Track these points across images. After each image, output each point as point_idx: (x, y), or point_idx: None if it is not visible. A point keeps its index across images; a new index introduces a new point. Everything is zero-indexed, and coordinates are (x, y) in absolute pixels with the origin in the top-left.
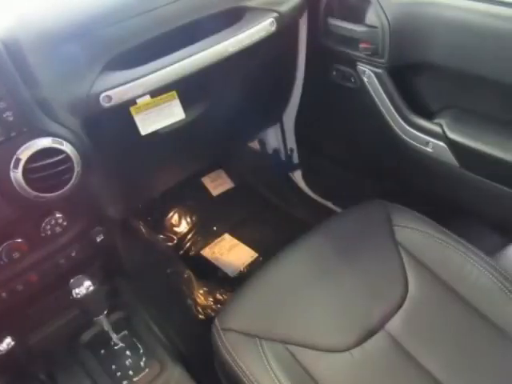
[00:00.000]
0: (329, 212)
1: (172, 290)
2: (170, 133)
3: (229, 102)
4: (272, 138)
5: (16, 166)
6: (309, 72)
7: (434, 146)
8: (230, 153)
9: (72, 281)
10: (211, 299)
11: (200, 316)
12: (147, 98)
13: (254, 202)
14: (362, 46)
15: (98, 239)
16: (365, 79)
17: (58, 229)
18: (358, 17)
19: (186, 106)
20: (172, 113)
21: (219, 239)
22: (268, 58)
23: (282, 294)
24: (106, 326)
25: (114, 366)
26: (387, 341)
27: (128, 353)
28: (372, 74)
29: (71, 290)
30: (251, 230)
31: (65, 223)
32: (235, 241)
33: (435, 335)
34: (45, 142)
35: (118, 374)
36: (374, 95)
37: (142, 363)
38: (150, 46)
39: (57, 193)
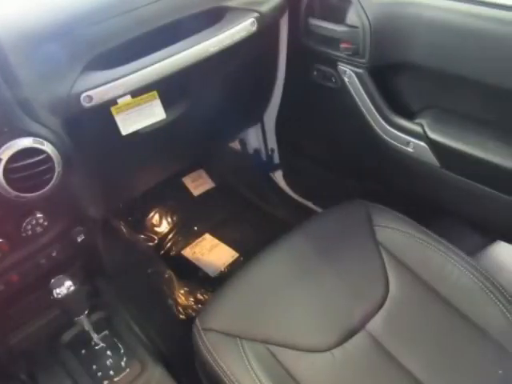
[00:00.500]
0: (309, 212)
1: (153, 290)
2: (150, 133)
3: (209, 101)
4: (253, 138)
5: None
6: (289, 72)
7: (414, 146)
8: (211, 153)
9: (53, 281)
10: (192, 299)
11: (181, 316)
12: (128, 97)
13: (234, 202)
14: (342, 45)
15: (79, 239)
16: (345, 79)
17: (38, 229)
18: (338, 17)
19: (166, 105)
20: (153, 113)
21: (200, 239)
22: (249, 58)
23: (262, 294)
24: (87, 326)
25: (94, 366)
26: (368, 341)
27: (109, 353)
28: (353, 74)
29: (52, 289)
30: (232, 230)
31: (45, 223)
32: (216, 241)
33: (416, 335)
34: (26, 142)
35: (99, 374)
36: (354, 95)
37: (122, 363)
38: (131, 46)
39: (37, 193)
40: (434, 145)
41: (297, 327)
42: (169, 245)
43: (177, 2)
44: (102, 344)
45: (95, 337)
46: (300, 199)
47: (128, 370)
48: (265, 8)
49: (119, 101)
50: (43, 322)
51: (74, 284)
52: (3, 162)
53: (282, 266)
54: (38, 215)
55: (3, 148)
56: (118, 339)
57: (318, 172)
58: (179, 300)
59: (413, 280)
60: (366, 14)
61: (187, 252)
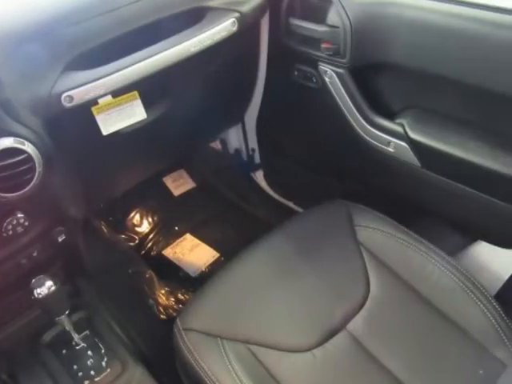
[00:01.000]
0: (290, 212)
1: (134, 290)
2: (131, 133)
3: (190, 101)
4: (233, 137)
5: None
6: (270, 72)
7: (395, 146)
8: (192, 153)
9: (33, 281)
10: (173, 299)
11: (162, 316)
12: (109, 98)
13: (215, 202)
14: (323, 45)
15: (60, 239)
16: (326, 79)
17: (19, 229)
18: (319, 17)
19: (147, 105)
20: (133, 113)
21: (181, 239)
22: (229, 58)
23: (243, 294)
24: (68, 326)
25: (75, 366)
26: (349, 341)
27: (90, 353)
28: (334, 74)
29: (33, 289)
30: (213, 230)
31: (26, 223)
32: (197, 241)
33: (396, 335)
34: (6, 142)
35: (80, 374)
36: (335, 95)
37: (103, 363)
38: (112, 46)
39: (18, 193)
40: (414, 145)
41: (278, 327)
42: (150, 245)
43: (157, 2)
44: (82, 344)
45: (76, 337)
46: (281, 199)
47: (109, 370)
48: (245, 8)
49: (100, 101)
50: (24, 322)
51: (55, 284)
52: None
53: (262, 265)
54: (19, 215)
55: None
56: (99, 339)
57: (298, 172)
58: (160, 300)
59: (393, 280)
60: (346, 13)
61: (168, 252)
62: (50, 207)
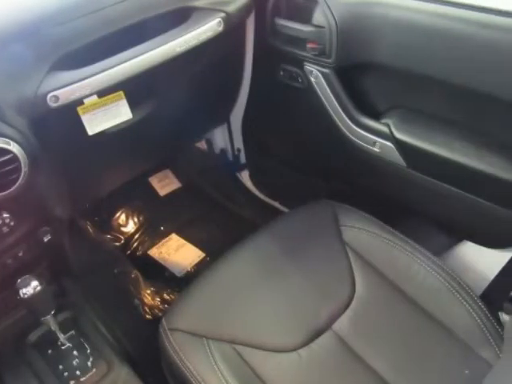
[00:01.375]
0: (276, 212)
1: (119, 290)
2: (117, 133)
3: (176, 102)
4: (219, 137)
5: None
6: (256, 72)
7: (381, 146)
8: (177, 153)
9: (19, 281)
10: (158, 299)
11: (147, 316)
12: (94, 98)
13: (201, 202)
14: (309, 46)
15: (46, 239)
16: (312, 79)
17: (5, 229)
18: (305, 17)
19: (133, 105)
20: (119, 113)
21: (166, 239)
22: (215, 58)
23: (229, 294)
24: (54, 326)
25: (61, 366)
26: (334, 341)
27: (75, 353)
28: (319, 74)
29: (18, 289)
30: (198, 230)
31: (12, 223)
32: (182, 241)
33: (382, 335)
34: None
35: (65, 374)
36: (321, 95)
37: (89, 363)
38: (97, 46)
39: (4, 193)
40: (400, 145)
41: (263, 327)
42: (135, 245)
43: (143, 2)
44: (68, 344)
45: (62, 337)
46: (266, 199)
47: (94, 370)
48: (231, 8)
49: (86, 101)
50: (9, 321)
51: (41, 284)
52: None
53: (248, 265)
54: (5, 215)
55: None
56: (85, 339)
57: (284, 172)
58: (145, 300)
59: (379, 280)
60: (332, 13)
61: (154, 252)
62: (36, 207)
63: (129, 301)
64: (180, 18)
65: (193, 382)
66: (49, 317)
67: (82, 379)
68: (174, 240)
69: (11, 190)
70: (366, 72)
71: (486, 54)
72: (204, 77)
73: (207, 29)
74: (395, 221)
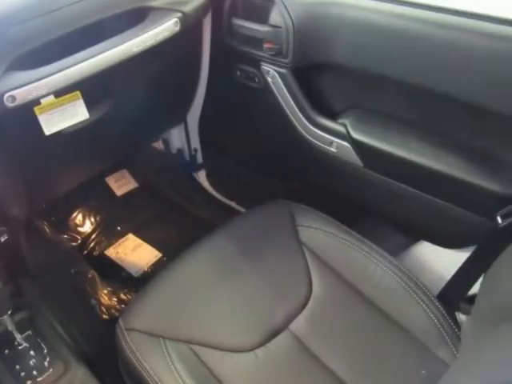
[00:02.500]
0: (233, 212)
1: (76, 290)
2: (74, 133)
3: (133, 101)
4: (176, 137)
5: None
6: (213, 72)
7: (337, 146)
8: (134, 153)
9: None
10: (115, 299)
11: (104, 316)
12: (51, 98)
13: (158, 202)
14: (265, 46)
15: (2, 239)
16: (269, 79)
17: None
18: (262, 17)
19: (90, 105)
20: (76, 113)
21: (123, 239)
22: (172, 58)
23: (185, 294)
24: (10, 326)
25: (17, 366)
26: (291, 341)
27: (32, 353)
28: (276, 74)
29: None
30: (155, 230)
31: None
32: (139, 241)
33: (339, 335)
34: None
35: (22, 374)
36: (278, 95)
37: (46, 363)
38: (54, 46)
39: None
40: (356, 145)
41: (220, 327)
42: (92, 245)
43: (100, 2)
44: (25, 344)
45: (18, 337)
46: (223, 199)
47: (51, 370)
48: (188, 8)
49: (42, 101)
50: None
51: None
52: None
53: (205, 265)
54: None
55: None
56: (42, 339)
57: (241, 172)
58: (102, 300)
59: (336, 280)
60: (289, 13)
61: (110, 252)
62: None
63: (86, 301)
64: (137, 18)
65: (149, 381)
66: (5, 317)
67: (38, 379)
68: (131, 240)
69: None
70: (322, 72)
71: (442, 54)
72: (161, 77)
73: (164, 29)
74: (352, 221)
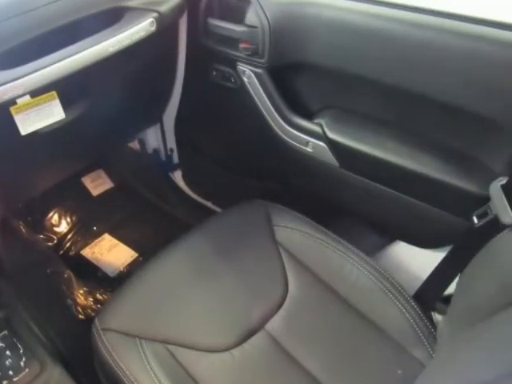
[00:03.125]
0: (209, 212)
1: (52, 290)
2: (50, 133)
3: (109, 101)
4: (152, 137)
5: None
6: (189, 72)
7: (313, 146)
8: (110, 153)
9: None
10: (91, 299)
11: (80, 316)
12: (27, 98)
13: (134, 202)
14: (241, 46)
15: None
16: (245, 79)
17: None
18: (238, 17)
19: (66, 105)
20: (52, 113)
21: (99, 239)
22: (148, 58)
23: (161, 294)
24: None
25: None
26: (267, 341)
27: (8, 353)
28: (252, 74)
29: None
30: (131, 230)
31: None
32: (115, 241)
33: (315, 335)
34: None
35: None
36: (254, 95)
37: (21, 363)
38: (30, 46)
39: None
40: (332, 145)
41: (196, 327)
42: (68, 245)
43: (76, 2)
44: (1, 344)
45: None
46: (199, 199)
47: (27, 370)
48: (164, 8)
49: (18, 101)
50: None
51: None
52: None
53: (181, 265)
54: None
55: None
56: (17, 339)
57: (217, 172)
58: (78, 300)
59: (312, 280)
60: (265, 13)
61: (86, 252)
62: None
63: (62, 301)
64: (113, 18)
65: (125, 381)
66: None
67: (14, 379)
68: (107, 240)
69: None
70: (299, 72)
71: (418, 54)
72: (137, 77)
73: (140, 29)
74: (328, 221)
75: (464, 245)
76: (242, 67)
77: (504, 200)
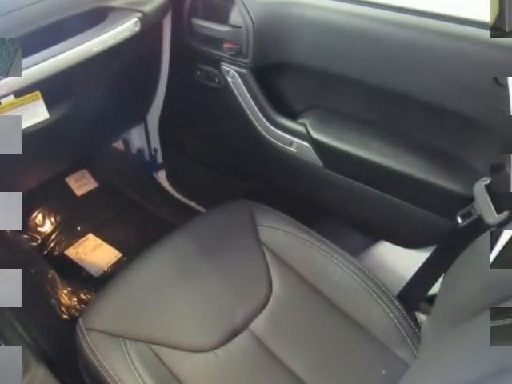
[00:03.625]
0: (193, 212)
1: (36, 290)
2: (34, 133)
3: (93, 102)
4: (136, 137)
5: None
6: (173, 72)
7: (297, 146)
8: (94, 153)
9: None
10: (75, 299)
11: (64, 316)
12: (11, 98)
13: (118, 202)
14: (225, 46)
15: None
16: (229, 79)
17: None
18: (222, 17)
19: (50, 105)
20: (36, 113)
21: (83, 239)
22: (132, 58)
23: (145, 294)
24: None
25: None
26: (251, 341)
27: None
28: (236, 74)
29: None
30: (115, 230)
31: None
32: (99, 241)
33: (299, 335)
34: None
35: None
36: (238, 95)
37: None
38: None
39: None
40: (316, 145)
41: (180, 327)
42: (52, 245)
43: (60, 2)
44: None
45: None
46: (183, 199)
47: None
48: (148, 8)
49: (2, 101)
50: None
51: None
52: None
53: (165, 265)
54: None
55: None
56: (1, 339)
57: (201, 172)
58: (62, 300)
59: (296, 280)
60: (249, 13)
61: (70, 252)
62: None
63: (46, 301)
64: (97, 18)
65: (109, 381)
66: None
67: None
68: (91, 240)
69: None
70: (283, 72)
71: (402, 54)
72: (121, 77)
73: (124, 29)
74: (312, 221)
75: (448, 245)
76: (226, 67)
77: (488, 200)
